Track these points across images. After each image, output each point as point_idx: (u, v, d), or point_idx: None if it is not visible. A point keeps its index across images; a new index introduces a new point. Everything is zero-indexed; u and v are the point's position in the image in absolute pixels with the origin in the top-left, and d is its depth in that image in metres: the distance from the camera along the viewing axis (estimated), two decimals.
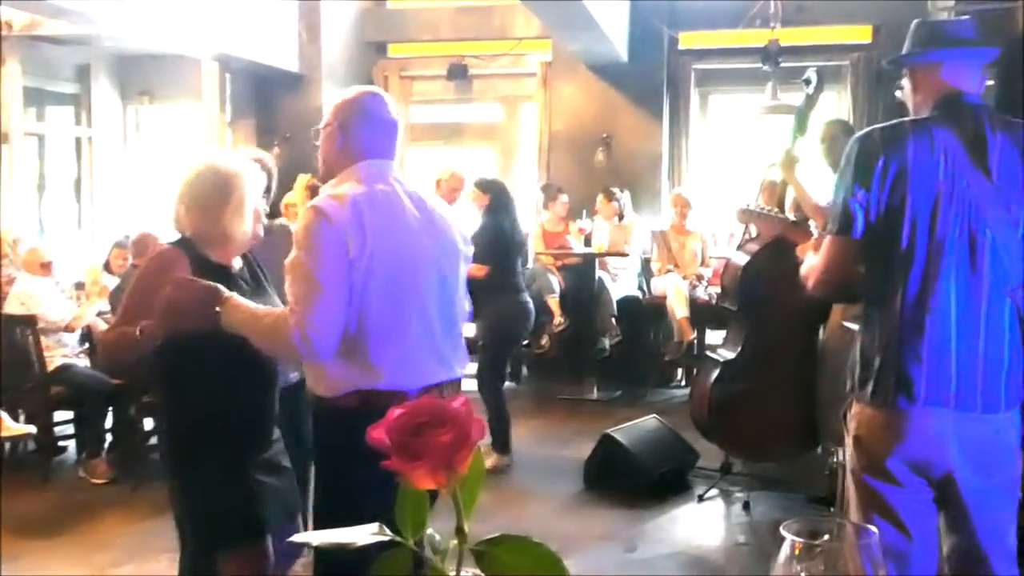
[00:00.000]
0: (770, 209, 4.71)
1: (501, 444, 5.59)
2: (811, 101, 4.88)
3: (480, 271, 5.55)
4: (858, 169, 2.22)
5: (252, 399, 2.56)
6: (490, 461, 5.48)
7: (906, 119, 2.30)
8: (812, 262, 2.43)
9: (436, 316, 2.45)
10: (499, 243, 5.61)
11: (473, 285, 6.09)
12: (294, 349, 2.27)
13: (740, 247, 5.17)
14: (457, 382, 2.55)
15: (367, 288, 2.29)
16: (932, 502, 2.26)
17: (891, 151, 2.19)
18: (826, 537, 0.88)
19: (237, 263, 2.65)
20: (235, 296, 2.35)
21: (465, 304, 2.62)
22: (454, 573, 0.81)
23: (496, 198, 5.71)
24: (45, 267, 5.74)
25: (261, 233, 2.65)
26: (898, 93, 2.46)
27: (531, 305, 5.84)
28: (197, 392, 2.49)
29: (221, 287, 2.34)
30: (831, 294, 2.26)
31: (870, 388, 2.24)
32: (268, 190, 3.28)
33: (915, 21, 2.44)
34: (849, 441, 2.36)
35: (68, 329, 5.59)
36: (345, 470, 2.30)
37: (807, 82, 4.91)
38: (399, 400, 2.11)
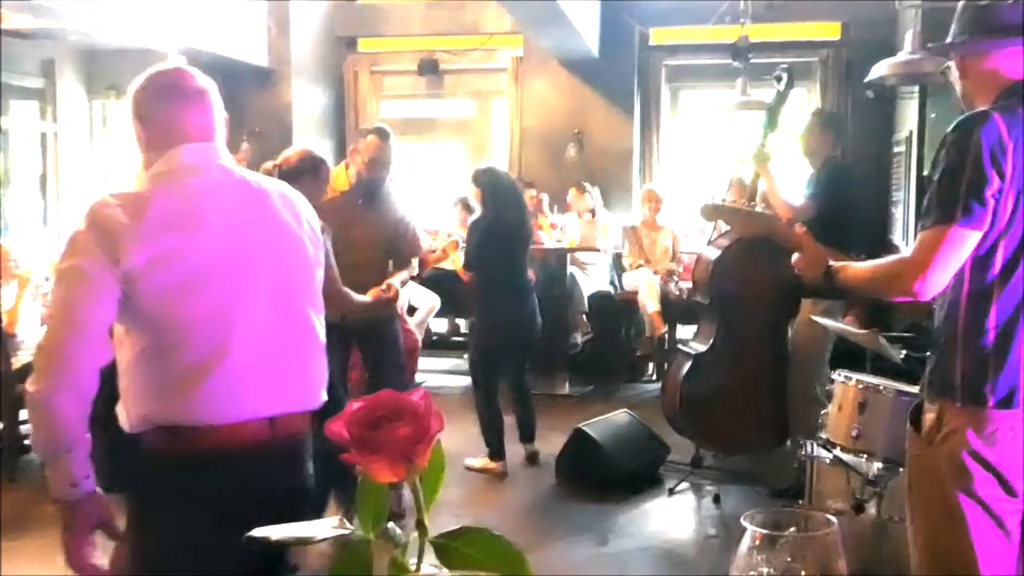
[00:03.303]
0: (749, 204, 4.71)
1: (490, 449, 5.38)
2: (781, 98, 4.93)
3: (464, 275, 5.46)
4: (992, 155, 1.94)
5: None
6: (478, 463, 5.39)
7: (1011, 101, 2.05)
8: (893, 261, 2.15)
9: (269, 335, 2.01)
10: (489, 239, 5.23)
11: (466, 284, 5.73)
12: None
13: (711, 242, 5.20)
14: (309, 412, 2.10)
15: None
16: None
17: (1017, 136, 1.96)
18: (792, 529, 0.89)
19: None
20: None
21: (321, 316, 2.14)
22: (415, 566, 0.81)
23: (486, 190, 5.30)
24: None
25: None
26: (951, 77, 2.25)
27: (530, 307, 5.41)
28: None
29: None
30: (934, 295, 2.08)
31: (998, 391, 1.98)
32: None
33: (960, 4, 2.19)
34: (927, 452, 2.10)
35: None
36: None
37: (778, 79, 4.96)
38: (210, 437, 1.95)
